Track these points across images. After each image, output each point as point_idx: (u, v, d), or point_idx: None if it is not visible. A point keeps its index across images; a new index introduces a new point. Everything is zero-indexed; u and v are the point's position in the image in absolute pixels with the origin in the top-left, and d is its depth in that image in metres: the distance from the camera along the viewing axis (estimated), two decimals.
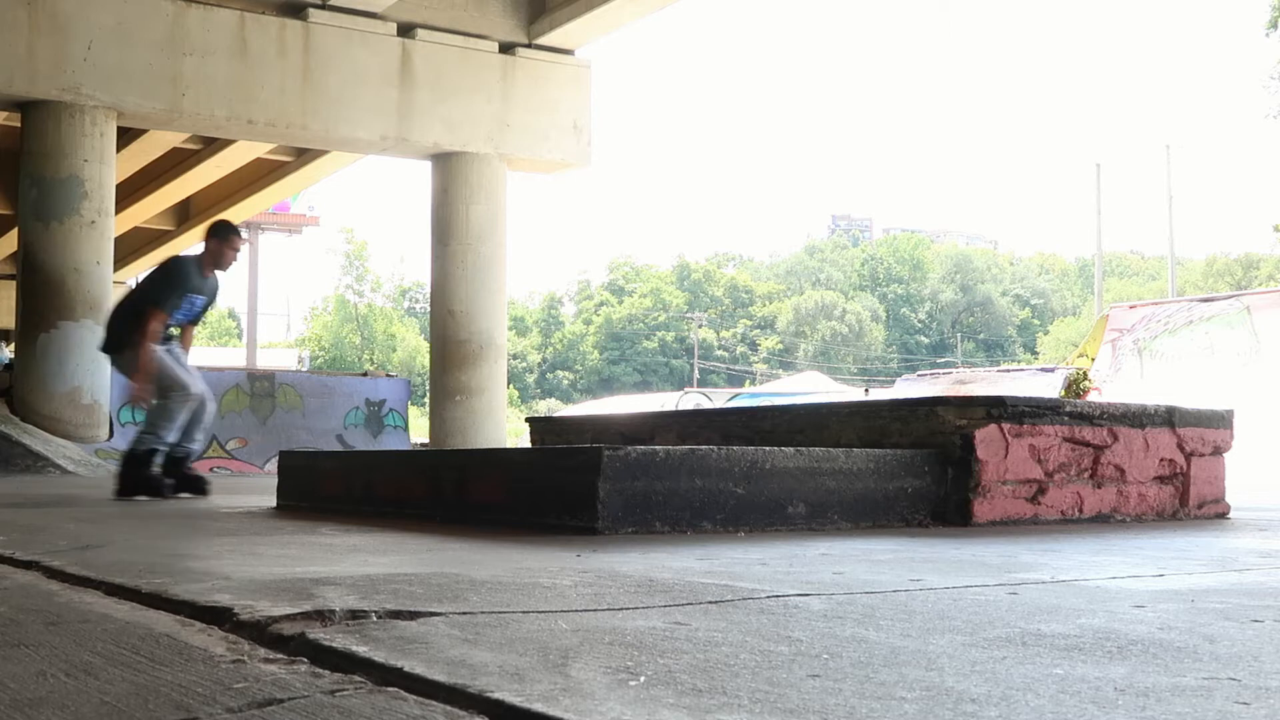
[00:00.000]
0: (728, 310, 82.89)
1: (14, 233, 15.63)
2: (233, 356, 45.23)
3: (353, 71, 13.76)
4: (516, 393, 62.72)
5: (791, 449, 3.67)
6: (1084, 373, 12.53)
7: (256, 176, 20.37)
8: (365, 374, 17.03)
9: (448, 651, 1.47)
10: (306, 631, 1.61)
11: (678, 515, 3.37)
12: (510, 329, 39.49)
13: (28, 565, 2.61)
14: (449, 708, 1.22)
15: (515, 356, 69.35)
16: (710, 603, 1.94)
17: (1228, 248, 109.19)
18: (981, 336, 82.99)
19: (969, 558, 2.77)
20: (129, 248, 23.81)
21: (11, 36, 12.13)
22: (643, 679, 1.32)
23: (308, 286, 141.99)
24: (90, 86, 12.47)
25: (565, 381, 75.87)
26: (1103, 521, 4.10)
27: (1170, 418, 4.37)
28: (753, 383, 61.93)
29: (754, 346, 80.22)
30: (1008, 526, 3.84)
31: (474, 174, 14.40)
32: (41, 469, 11.40)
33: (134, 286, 6.75)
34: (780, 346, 79.21)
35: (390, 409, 15.43)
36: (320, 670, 1.42)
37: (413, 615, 1.75)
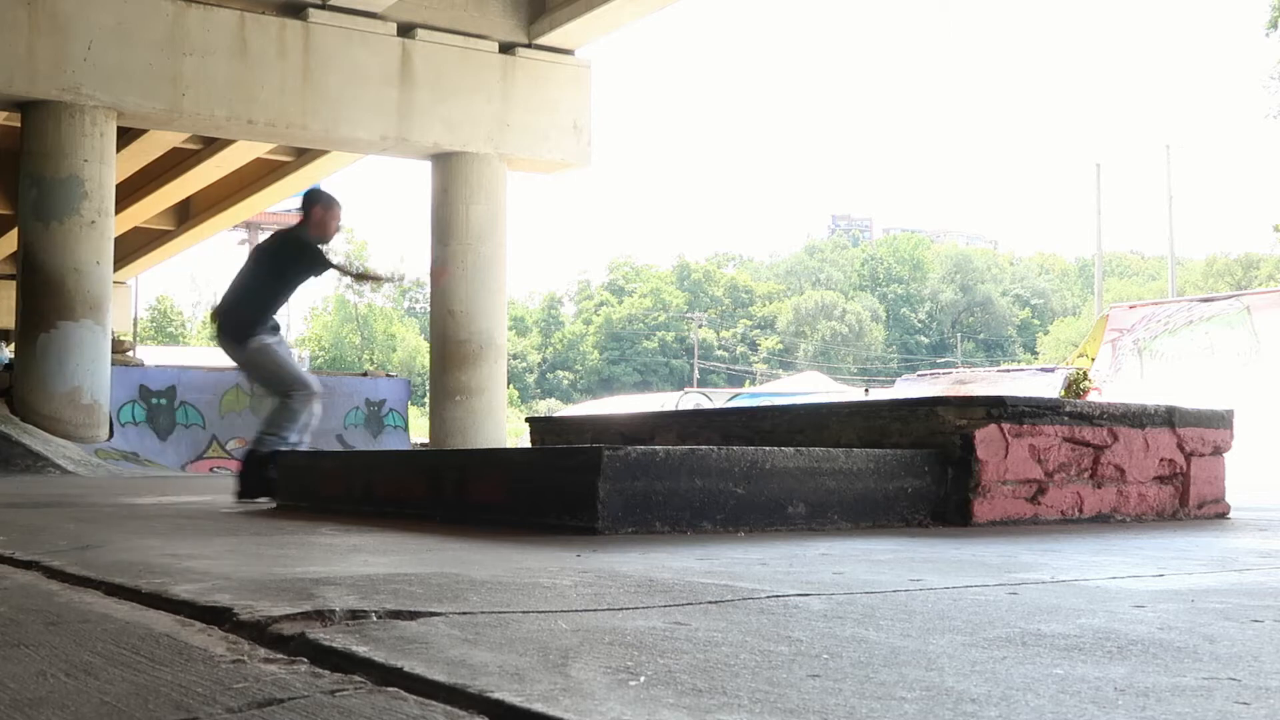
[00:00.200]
0: (728, 310, 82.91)
1: (14, 233, 15.63)
2: None
3: (353, 71, 13.76)
4: (516, 393, 62.72)
5: (791, 449, 3.67)
6: (1084, 373, 12.53)
7: (256, 176, 20.37)
8: (365, 374, 17.04)
9: (448, 651, 1.47)
10: (306, 631, 1.61)
11: (678, 515, 3.37)
12: (510, 329, 39.47)
13: (28, 565, 2.61)
14: (449, 708, 1.22)
15: (515, 356, 69.34)
16: (710, 603, 1.94)
17: (1228, 248, 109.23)
18: (981, 336, 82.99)
19: (969, 558, 2.77)
20: (129, 248, 23.81)
21: (11, 36, 12.14)
22: (643, 679, 1.32)
23: (307, 286, 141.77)
24: (90, 86, 12.47)
25: (565, 381, 75.87)
26: (1103, 521, 4.10)
27: (1170, 418, 4.37)
28: (753, 383, 61.93)
29: (754, 346, 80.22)
30: (1008, 526, 3.84)
31: (474, 174, 14.40)
32: (41, 469, 11.40)
33: (251, 266, 6.43)
34: (780, 346, 79.22)
35: (390, 409, 15.44)
36: (320, 670, 1.42)
37: (413, 615, 1.75)
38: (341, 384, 15.65)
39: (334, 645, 1.51)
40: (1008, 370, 16.09)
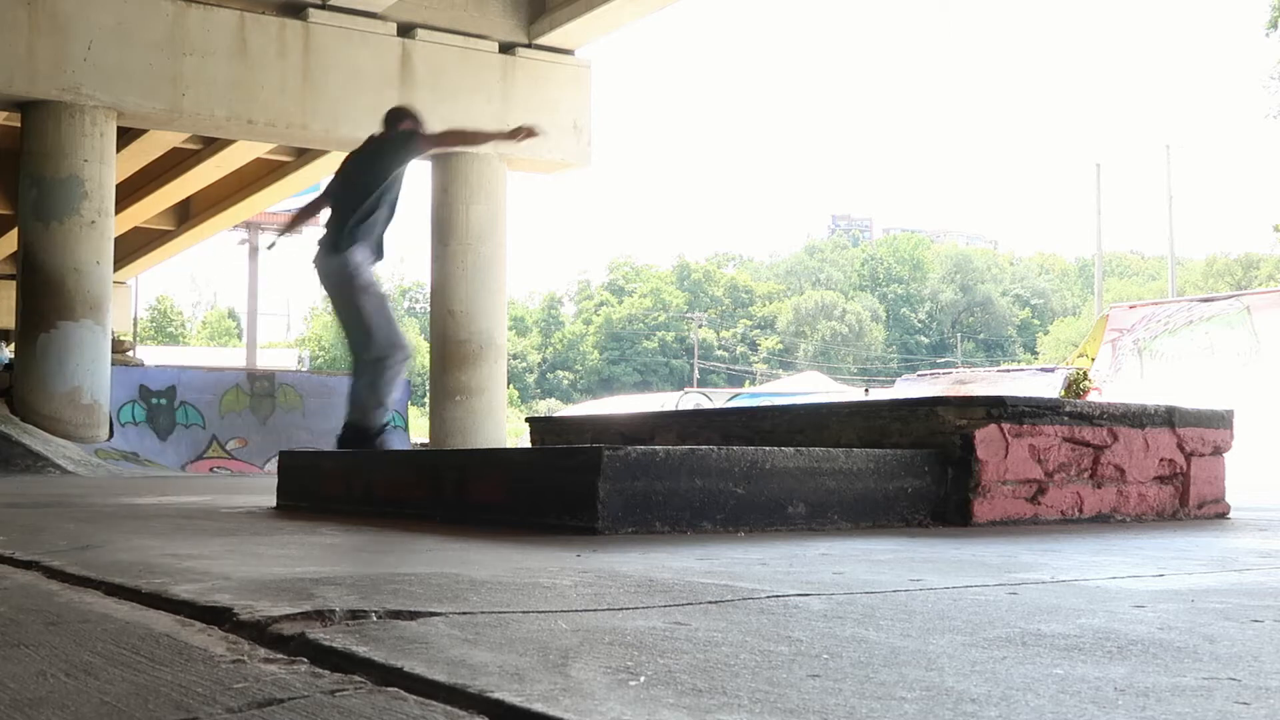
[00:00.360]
0: (728, 310, 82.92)
1: (14, 233, 15.63)
2: (233, 356, 45.23)
3: (353, 71, 13.76)
4: (516, 393, 62.72)
5: (791, 449, 3.67)
6: (1084, 373, 12.53)
7: (256, 176, 20.37)
8: None
9: (448, 651, 1.47)
10: (306, 631, 1.61)
11: (678, 515, 3.37)
12: (510, 329, 39.46)
13: (28, 565, 2.61)
14: (449, 708, 1.22)
15: (515, 356, 69.33)
16: (710, 603, 1.94)
17: (1228, 248, 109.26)
18: (981, 336, 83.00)
19: (969, 558, 2.77)
20: (129, 248, 23.81)
21: (11, 36, 12.14)
22: (643, 679, 1.32)
23: (308, 286, 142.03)
24: (90, 86, 12.47)
25: (565, 381, 75.87)
26: (1103, 521, 4.10)
27: (1170, 418, 4.37)
28: (753, 383, 61.94)
29: (754, 346, 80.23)
30: (1008, 526, 3.84)
31: (474, 174, 14.41)
32: (41, 469, 11.40)
33: (345, 177, 5.82)
34: (780, 346, 79.22)
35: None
36: (320, 670, 1.42)
37: (413, 615, 1.75)
38: (341, 384, 15.58)
39: (334, 645, 1.51)
40: (1008, 370, 16.09)
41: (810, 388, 29.75)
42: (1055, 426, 4.05)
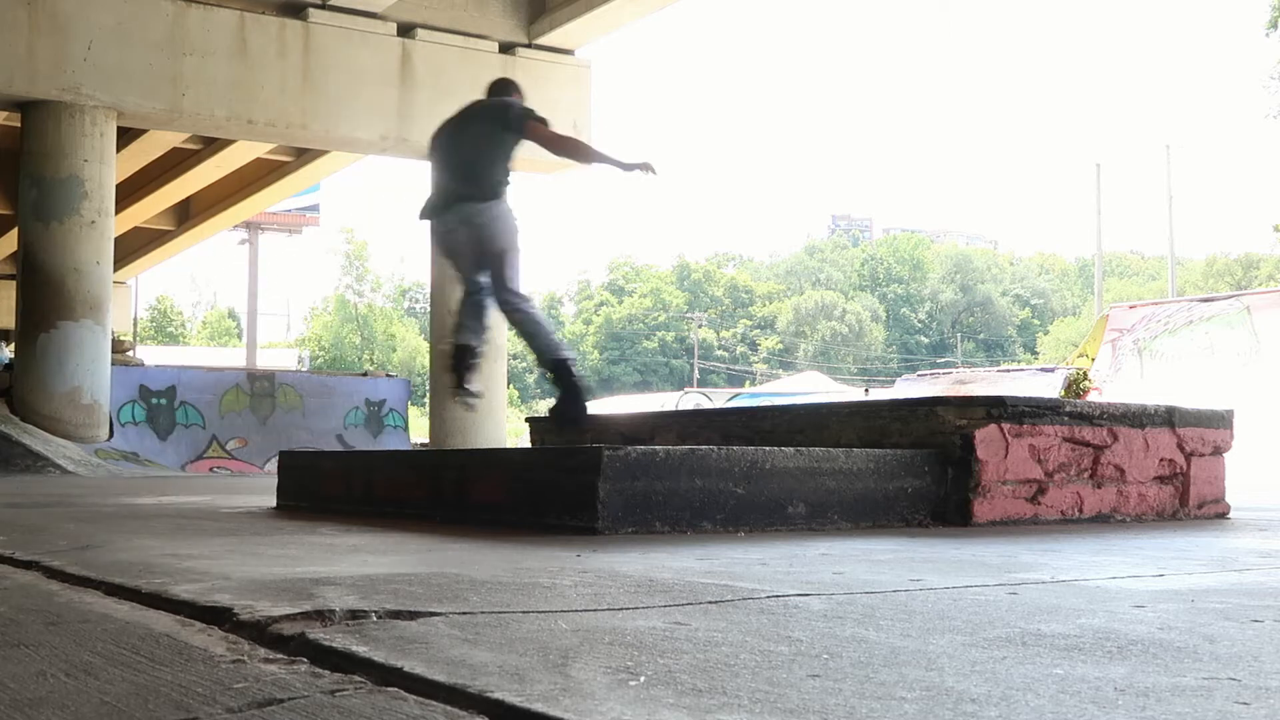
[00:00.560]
0: (728, 310, 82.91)
1: (14, 233, 15.64)
2: (233, 356, 45.23)
3: (353, 71, 13.76)
4: (516, 393, 62.72)
5: (791, 449, 3.67)
6: (1084, 373, 12.53)
7: (256, 176, 20.38)
8: (365, 374, 17.05)
9: (448, 651, 1.47)
10: (306, 631, 1.61)
11: (678, 515, 3.37)
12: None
13: (28, 565, 2.61)
14: (449, 708, 1.22)
15: (515, 356, 69.32)
16: (710, 603, 1.94)
17: (1228, 248, 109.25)
18: (981, 336, 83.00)
19: (969, 558, 2.77)
20: (129, 248, 23.82)
21: (11, 36, 12.14)
22: (643, 679, 1.32)
23: (308, 286, 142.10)
24: (90, 86, 12.47)
25: None
26: (1103, 521, 4.10)
27: (1170, 418, 4.37)
28: (753, 383, 61.94)
29: (754, 346, 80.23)
30: (1008, 526, 3.84)
31: None
32: (41, 469, 11.40)
33: (458, 139, 5.61)
34: (780, 346, 79.22)
35: (390, 409, 15.44)
36: (320, 670, 1.42)
37: (413, 615, 1.75)
38: (341, 384, 15.65)
39: (334, 645, 1.51)
40: (1008, 370, 16.09)
41: (810, 388, 29.76)
42: (1055, 426, 4.05)
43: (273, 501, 5.20)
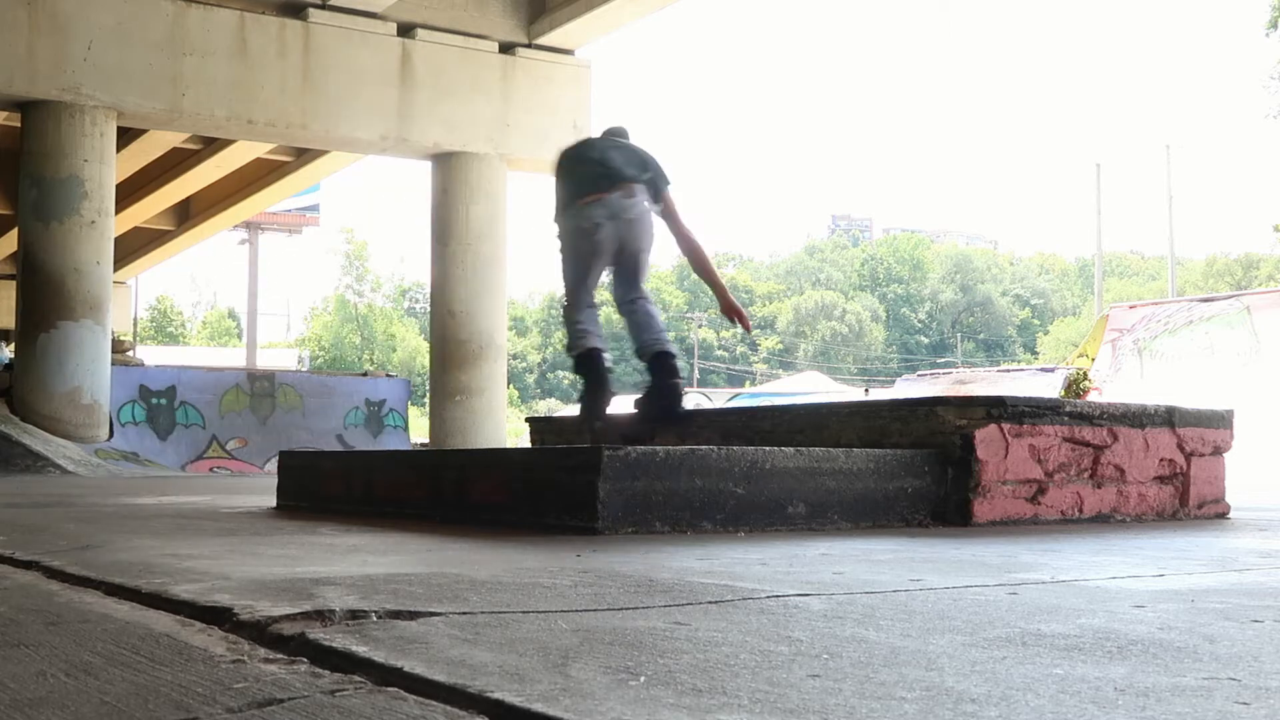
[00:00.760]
0: None
1: (14, 233, 15.64)
2: (233, 356, 45.24)
3: (353, 71, 13.77)
4: (516, 393, 62.72)
5: (791, 449, 3.67)
6: (1084, 373, 12.53)
7: (256, 176, 20.38)
8: (365, 374, 17.05)
9: (448, 651, 1.47)
10: (306, 631, 1.61)
11: (678, 515, 3.37)
12: (510, 329, 39.48)
13: (28, 565, 2.61)
14: (449, 708, 1.22)
15: (515, 356, 69.33)
16: (710, 603, 1.94)
17: (1228, 248, 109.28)
18: (981, 336, 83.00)
19: (969, 558, 2.77)
20: (129, 248, 23.83)
21: (11, 36, 12.14)
22: (643, 679, 1.32)
23: (308, 286, 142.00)
24: (90, 86, 12.47)
25: (565, 381, 75.82)
26: (1103, 521, 4.10)
27: (1170, 418, 4.37)
28: (753, 383, 61.93)
29: (754, 346, 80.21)
30: (1008, 526, 3.84)
31: (474, 174, 14.41)
32: (41, 469, 11.40)
33: (619, 147, 5.45)
34: (780, 346, 79.22)
35: (390, 409, 15.44)
36: (320, 670, 1.42)
37: (413, 615, 1.75)
38: (341, 384, 15.66)
39: (334, 645, 1.51)
40: (1008, 370, 16.09)
41: (810, 388, 29.76)
42: (1055, 426, 4.05)
43: (273, 501, 5.20)
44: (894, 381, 17.61)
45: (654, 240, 5.39)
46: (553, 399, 69.39)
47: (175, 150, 18.92)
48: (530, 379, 76.34)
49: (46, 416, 12.35)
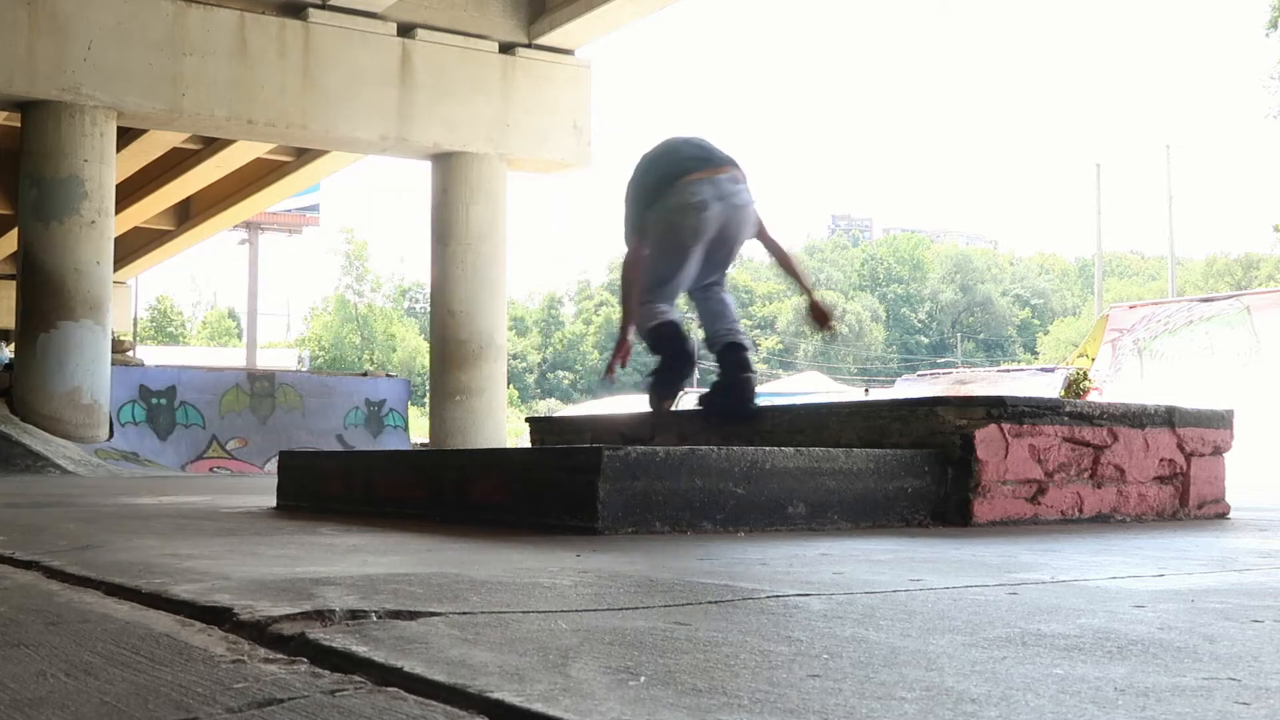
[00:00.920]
0: None
1: (14, 233, 15.64)
2: (233, 356, 45.24)
3: (353, 71, 13.77)
4: (516, 393, 62.71)
5: (791, 449, 3.67)
6: (1084, 373, 12.53)
7: (256, 176, 20.38)
8: (365, 374, 17.05)
9: (448, 651, 1.47)
10: (306, 631, 1.61)
11: (678, 515, 3.37)
12: (510, 329, 39.48)
13: (28, 565, 2.61)
14: (449, 708, 1.22)
15: (515, 356, 69.33)
16: (710, 603, 1.94)
17: (1228, 248, 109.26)
18: (981, 336, 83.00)
19: (969, 558, 2.77)
20: (129, 248, 23.83)
21: (11, 36, 12.14)
22: (643, 679, 1.32)
23: (308, 286, 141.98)
24: (90, 86, 12.47)
25: (565, 381, 75.86)
26: (1103, 521, 4.10)
27: (1170, 418, 4.37)
28: None
29: (754, 347, 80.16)
30: (1008, 526, 3.84)
31: (474, 174, 14.41)
32: (41, 469, 11.40)
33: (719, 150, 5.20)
34: (780, 346, 79.21)
35: (390, 409, 15.44)
36: (320, 670, 1.42)
37: (413, 615, 1.75)
38: (341, 384, 15.66)
39: (334, 645, 1.51)
40: (1008, 370, 16.10)
41: (810, 388, 29.75)
42: (1055, 426, 4.05)
43: (273, 501, 5.20)
44: (894, 381, 17.61)
45: (751, 235, 5.05)
46: (553, 399, 69.40)
47: (175, 150, 18.92)
48: (530, 379, 76.33)
49: (46, 416, 12.35)
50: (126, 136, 16.33)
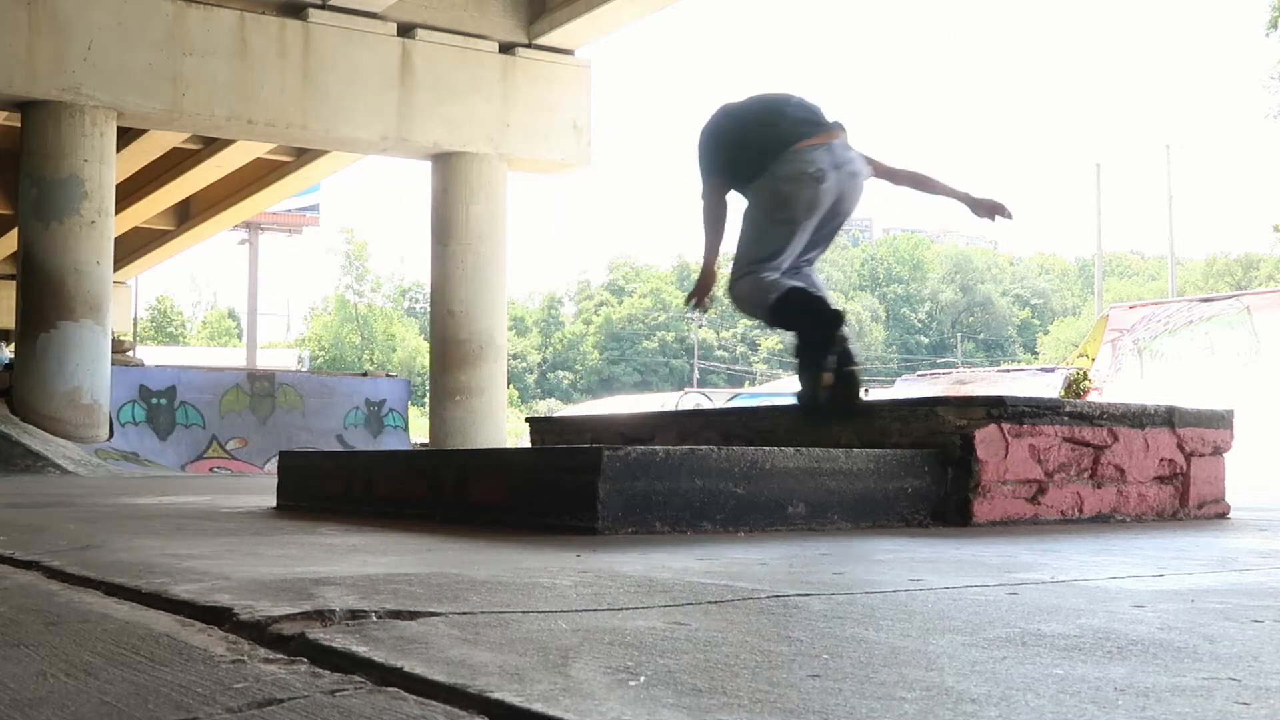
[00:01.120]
0: (728, 310, 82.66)
1: (14, 233, 15.64)
2: (233, 356, 45.24)
3: (353, 71, 13.76)
4: (516, 393, 62.73)
5: (791, 449, 3.67)
6: (1084, 373, 12.53)
7: (256, 176, 20.38)
8: (365, 374, 17.04)
9: (448, 651, 1.47)
10: (306, 631, 1.61)
11: (678, 515, 3.37)
12: (510, 329, 39.49)
13: (28, 565, 2.61)
14: (449, 708, 1.22)
15: (515, 356, 69.34)
16: (710, 603, 1.94)
17: (1228, 248, 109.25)
18: (981, 336, 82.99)
19: (969, 558, 2.77)
20: (129, 248, 23.83)
21: (11, 36, 12.14)
22: (643, 679, 1.32)
23: (308, 286, 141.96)
24: (90, 86, 12.47)
25: (565, 381, 75.86)
26: (1103, 521, 4.10)
27: (1170, 418, 4.37)
28: (753, 383, 61.93)
29: (754, 346, 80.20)
30: (1008, 526, 3.84)
31: (474, 174, 14.41)
32: (41, 469, 11.40)
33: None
34: (780, 346, 79.14)
35: (390, 409, 15.44)
36: (320, 670, 1.42)
37: (413, 615, 1.75)
38: (341, 384, 15.65)
39: (334, 645, 1.51)
40: (1008, 370, 16.10)
41: None
42: (1055, 426, 4.05)
43: (273, 501, 5.20)
44: (894, 381, 17.60)
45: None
46: (553, 399, 69.41)
47: (175, 150, 18.92)
48: (530, 379, 76.34)
49: (46, 416, 12.35)
50: (126, 136, 16.33)
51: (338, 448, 13.75)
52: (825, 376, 4.22)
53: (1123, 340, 12.51)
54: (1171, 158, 42.68)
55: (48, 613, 1.94)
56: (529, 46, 14.74)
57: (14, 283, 13.47)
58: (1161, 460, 4.31)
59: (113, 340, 13.92)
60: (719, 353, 77.46)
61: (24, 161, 12.62)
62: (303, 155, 18.80)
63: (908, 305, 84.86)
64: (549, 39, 14.66)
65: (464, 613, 1.79)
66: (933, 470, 3.88)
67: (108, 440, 12.88)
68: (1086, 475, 4.12)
